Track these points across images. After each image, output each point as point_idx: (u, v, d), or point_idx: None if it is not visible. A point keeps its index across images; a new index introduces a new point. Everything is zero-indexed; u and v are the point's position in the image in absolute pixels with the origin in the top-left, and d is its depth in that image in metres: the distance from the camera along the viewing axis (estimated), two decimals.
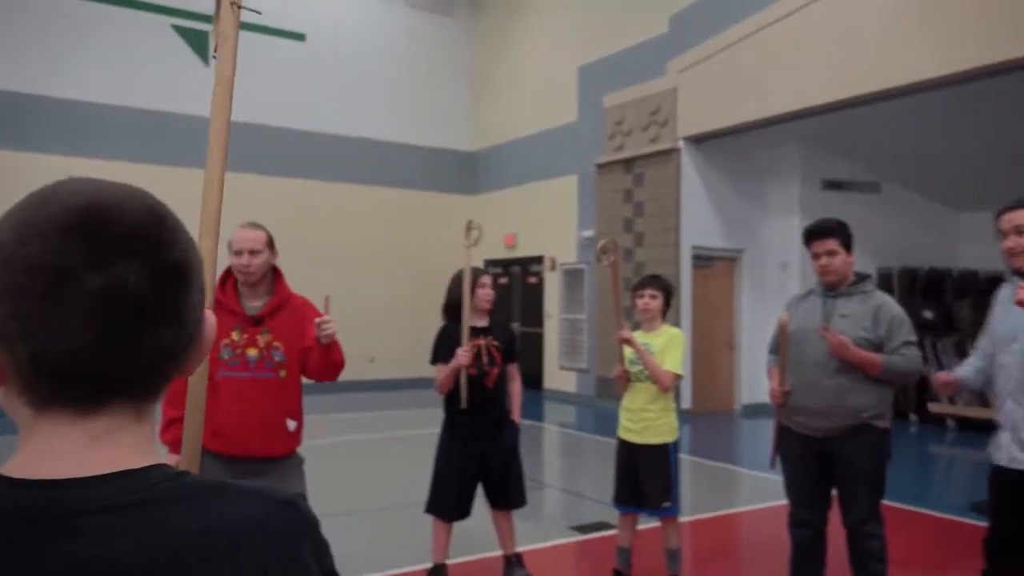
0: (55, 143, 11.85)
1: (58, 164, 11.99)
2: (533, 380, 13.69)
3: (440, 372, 4.11)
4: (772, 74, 9.61)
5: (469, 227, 4.37)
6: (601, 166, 12.23)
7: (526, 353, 13.44)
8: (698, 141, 11.02)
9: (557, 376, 13.44)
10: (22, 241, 0.69)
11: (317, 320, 3.11)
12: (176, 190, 10.55)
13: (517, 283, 14.53)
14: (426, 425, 8.42)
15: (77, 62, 12.11)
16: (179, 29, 12.88)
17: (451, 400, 4.16)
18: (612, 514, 5.43)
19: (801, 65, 9.29)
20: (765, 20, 9.79)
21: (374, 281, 14.38)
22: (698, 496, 6.59)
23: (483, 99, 15.68)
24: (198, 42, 13.02)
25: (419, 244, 14.94)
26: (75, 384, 0.70)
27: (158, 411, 0.83)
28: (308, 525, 0.78)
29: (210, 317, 0.81)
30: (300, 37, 13.93)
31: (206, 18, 13.04)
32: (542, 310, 13.83)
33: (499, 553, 4.44)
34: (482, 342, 4.15)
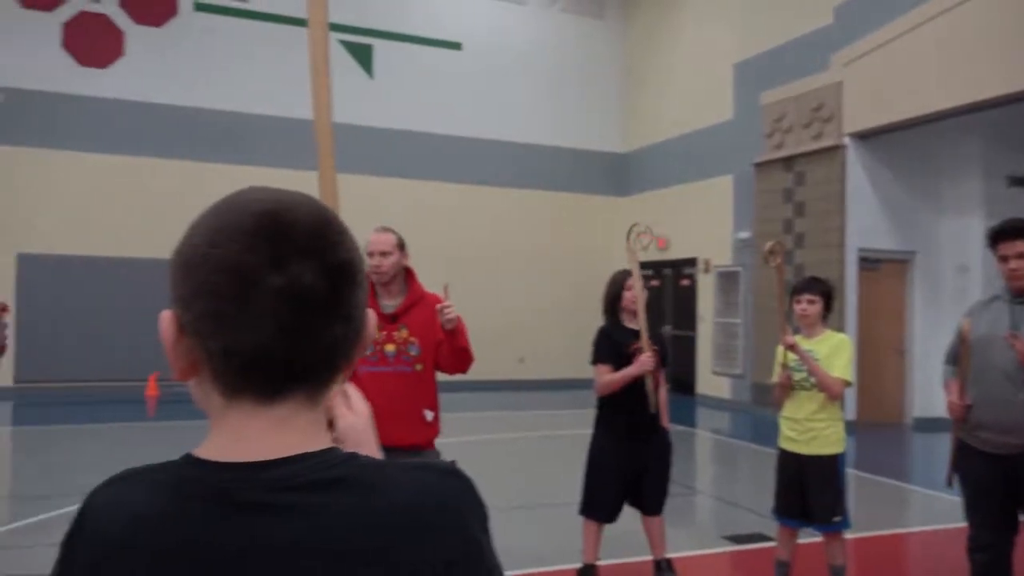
0: (232, 154, 12.89)
1: (235, 172, 13.04)
2: (685, 385, 13.41)
3: (602, 373, 4.12)
4: (946, 64, 8.92)
5: (633, 232, 4.38)
6: (759, 165, 11.81)
7: (678, 357, 13.19)
8: (865, 137, 10.40)
9: (710, 381, 13.10)
10: (213, 244, 0.76)
11: (438, 306, 3.26)
12: (345, 196, 11.15)
13: (669, 286, 14.29)
14: (576, 425, 8.47)
15: (251, 78, 13.09)
16: (345, 44, 13.64)
17: (610, 401, 4.16)
18: (767, 525, 5.24)
19: (978, 54, 8.56)
20: (938, 7, 9.10)
21: (525, 283, 14.60)
22: (864, 513, 6.21)
23: (635, 100, 15.55)
24: (362, 55, 13.74)
25: (570, 247, 15.03)
26: (261, 374, 0.77)
27: None
28: (470, 491, 0.83)
29: (371, 315, 0.86)
30: (456, 46, 14.39)
31: (369, 32, 13.75)
32: (695, 313, 13.53)
33: (648, 557, 4.40)
34: (641, 343, 4.14)
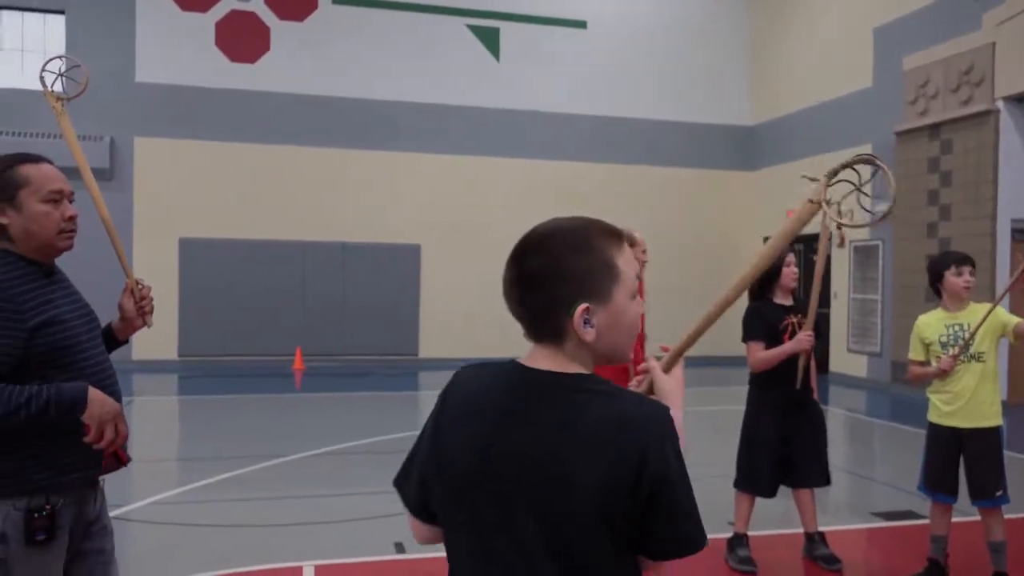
0: (370, 141, 13.49)
1: (373, 159, 13.64)
2: (818, 363, 13.06)
3: (755, 350, 4.19)
4: None
5: (828, 206, 4.48)
6: (901, 134, 11.31)
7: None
8: (1020, 100, 9.79)
9: (845, 359, 12.73)
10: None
11: None
12: (489, 178, 11.52)
13: (800, 261, 13.90)
14: (708, 402, 8.50)
15: (387, 66, 13.63)
16: (472, 28, 13.96)
17: (769, 377, 4.21)
18: (915, 502, 5.18)
19: None
20: None
21: (651, 261, 14.54)
22: (1018, 493, 5.99)
23: (763, 71, 15.13)
24: (489, 39, 14.02)
25: (695, 223, 14.87)
26: (524, 327, 1.34)
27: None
28: (670, 423, 1.28)
29: (627, 307, 1.33)
30: (582, 25, 14.43)
31: (495, 15, 14.00)
32: (828, 290, 13.14)
33: (798, 530, 4.45)
34: (793, 320, 4.18)
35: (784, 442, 4.21)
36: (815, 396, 4.34)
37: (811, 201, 1.56)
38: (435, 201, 13.82)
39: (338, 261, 13.50)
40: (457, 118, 13.87)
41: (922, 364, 4.04)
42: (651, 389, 1.55)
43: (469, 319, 13.69)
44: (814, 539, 4.33)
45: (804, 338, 4.06)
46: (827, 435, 4.37)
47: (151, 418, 9.26)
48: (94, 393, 2.10)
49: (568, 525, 1.22)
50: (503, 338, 15.80)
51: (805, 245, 13.77)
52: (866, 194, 1.59)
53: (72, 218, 2.21)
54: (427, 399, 11.67)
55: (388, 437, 7.67)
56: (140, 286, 2.49)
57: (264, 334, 13.20)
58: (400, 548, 4.56)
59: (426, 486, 1.38)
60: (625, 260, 1.33)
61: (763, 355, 4.16)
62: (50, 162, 2.24)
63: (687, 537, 1.27)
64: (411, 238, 13.75)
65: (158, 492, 5.66)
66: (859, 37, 12.47)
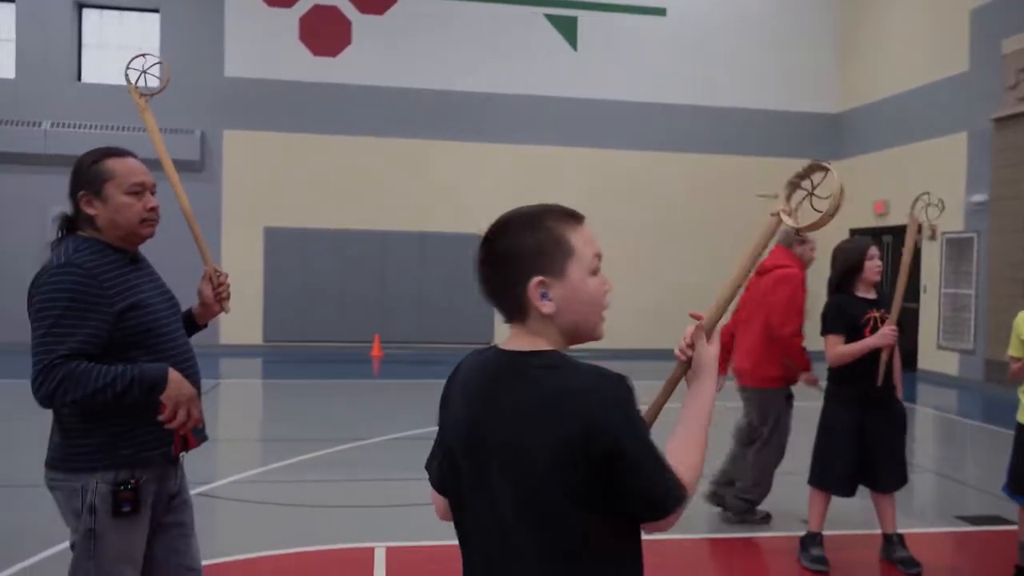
0: (448, 131, 13.63)
1: (452, 148, 13.79)
2: (907, 360, 12.54)
3: (833, 344, 4.06)
4: None
5: (919, 202, 4.41)
6: (1000, 120, 10.73)
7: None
8: None
9: (935, 357, 12.21)
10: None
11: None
12: (566, 168, 11.48)
13: (888, 254, 13.41)
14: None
15: (466, 57, 13.72)
16: (550, 18, 13.91)
17: (846, 372, 4.09)
18: (1004, 507, 4.95)
19: None
20: None
21: (731, 250, 14.28)
22: None
23: (850, 57, 14.58)
24: (567, 28, 13.96)
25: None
26: (496, 309, 1.46)
27: None
28: (621, 391, 1.34)
29: (585, 282, 1.42)
30: (661, 12, 14.20)
31: (573, 4, 13.92)
32: (918, 283, 12.62)
33: (876, 531, 4.32)
34: (876, 314, 4.04)
35: (862, 440, 4.07)
36: (899, 394, 4.18)
37: (772, 215, 1.67)
38: (512, 191, 13.82)
39: (416, 250, 13.72)
40: (535, 108, 13.87)
41: (1021, 361, 3.85)
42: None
43: None
44: (892, 541, 4.19)
45: (888, 332, 3.92)
46: (907, 435, 4.20)
47: (236, 400, 9.64)
48: (174, 375, 2.21)
49: (533, 494, 1.34)
50: None
51: (894, 236, 13.27)
52: (819, 196, 1.67)
53: (153, 208, 2.32)
54: None
55: None
56: (218, 273, 2.60)
57: (344, 321, 13.54)
58: None
59: (440, 463, 1.54)
60: (582, 240, 1.43)
61: (842, 349, 4.04)
62: (134, 155, 2.36)
63: (653, 499, 1.34)
64: (487, 227, 13.83)
65: (240, 471, 5.89)
66: (954, 19, 11.88)
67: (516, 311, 1.43)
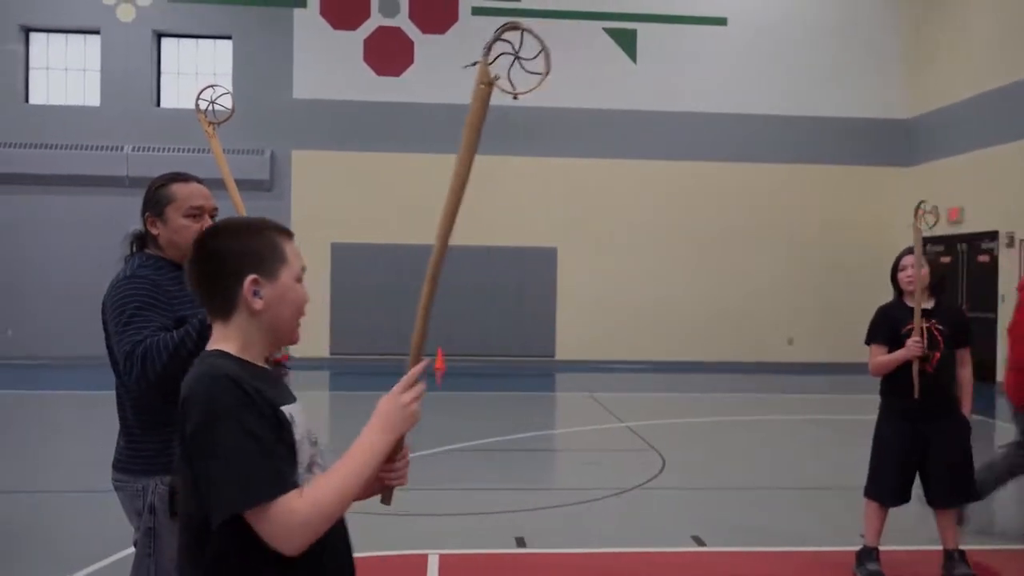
0: (530, 147, 13.75)
1: (531, 164, 13.95)
2: (984, 372, 12.06)
3: (875, 354, 4.03)
4: None
5: (919, 210, 4.21)
6: None
7: (974, 341, 11.93)
8: None
9: None
10: None
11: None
12: (626, 180, 11.52)
13: (963, 262, 12.95)
14: (852, 411, 8.11)
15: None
16: (609, 31, 13.97)
17: (889, 383, 4.05)
18: None
19: None
20: None
21: (797, 262, 14.06)
22: None
23: (918, 60, 14.17)
24: (626, 41, 13.98)
25: (846, 222, 14.19)
26: (202, 304, 1.59)
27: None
28: (209, 384, 1.42)
29: (293, 287, 1.59)
30: (722, 22, 14.11)
31: (632, 16, 13.95)
32: (995, 292, 12.14)
33: (937, 547, 4.21)
34: (923, 324, 3.97)
35: (915, 453, 3.99)
36: (965, 408, 4.07)
37: (482, 85, 1.64)
38: (572, 204, 13.94)
39: (480, 264, 13.89)
40: (594, 122, 13.92)
41: None
42: None
43: (604, 322, 13.72)
44: (953, 557, 4.08)
45: (911, 344, 3.85)
46: (970, 450, 4.07)
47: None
48: None
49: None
50: (636, 340, 15.64)
51: (969, 244, 12.82)
52: (526, 58, 1.66)
53: None
54: (562, 400, 11.79)
55: (518, 436, 7.86)
56: None
57: (408, 334, 13.70)
58: (521, 543, 4.70)
59: None
60: (292, 252, 1.61)
61: (877, 360, 4.01)
62: (199, 180, 2.53)
63: (213, 503, 1.38)
64: (548, 241, 13.94)
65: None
66: None
67: (223, 306, 1.54)
